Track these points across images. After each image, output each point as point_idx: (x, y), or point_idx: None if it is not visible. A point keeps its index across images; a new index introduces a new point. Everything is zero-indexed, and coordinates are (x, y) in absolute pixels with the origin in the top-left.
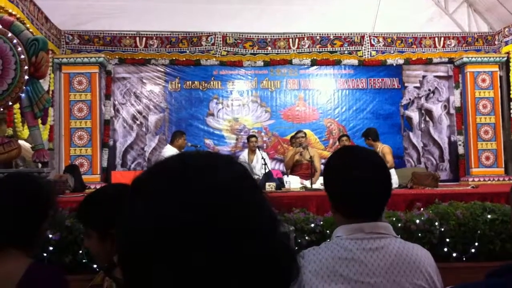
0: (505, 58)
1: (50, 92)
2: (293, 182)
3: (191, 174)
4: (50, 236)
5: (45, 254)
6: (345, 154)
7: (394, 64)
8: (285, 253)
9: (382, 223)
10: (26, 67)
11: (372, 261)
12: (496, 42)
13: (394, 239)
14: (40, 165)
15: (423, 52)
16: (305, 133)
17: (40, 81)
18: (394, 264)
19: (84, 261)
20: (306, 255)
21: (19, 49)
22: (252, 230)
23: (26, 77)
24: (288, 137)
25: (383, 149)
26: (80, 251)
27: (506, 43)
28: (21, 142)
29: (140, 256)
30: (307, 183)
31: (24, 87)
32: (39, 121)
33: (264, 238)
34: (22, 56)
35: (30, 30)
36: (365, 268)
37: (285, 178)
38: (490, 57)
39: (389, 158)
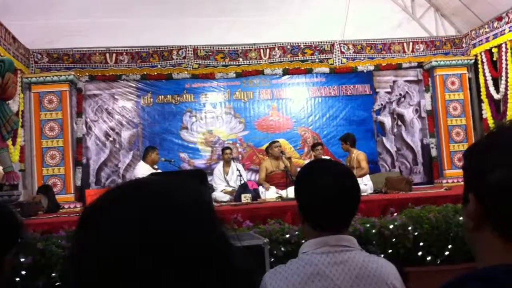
0: (473, 60)
1: (20, 113)
2: (269, 193)
3: (142, 201)
4: (22, 259)
5: (17, 279)
6: (313, 166)
7: (365, 71)
8: (241, 274)
9: (347, 236)
10: None
11: (337, 274)
12: (463, 45)
13: (359, 252)
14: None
15: (393, 57)
16: (279, 142)
17: (9, 102)
18: (359, 277)
19: (57, 284)
20: (273, 273)
21: None
22: (207, 254)
23: None
24: (264, 147)
25: (358, 155)
26: (54, 274)
27: (474, 46)
28: None
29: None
30: (283, 193)
31: None
32: (10, 142)
33: (219, 258)
34: None
35: None
36: (331, 283)
37: (261, 189)
38: (458, 60)
39: (364, 165)
